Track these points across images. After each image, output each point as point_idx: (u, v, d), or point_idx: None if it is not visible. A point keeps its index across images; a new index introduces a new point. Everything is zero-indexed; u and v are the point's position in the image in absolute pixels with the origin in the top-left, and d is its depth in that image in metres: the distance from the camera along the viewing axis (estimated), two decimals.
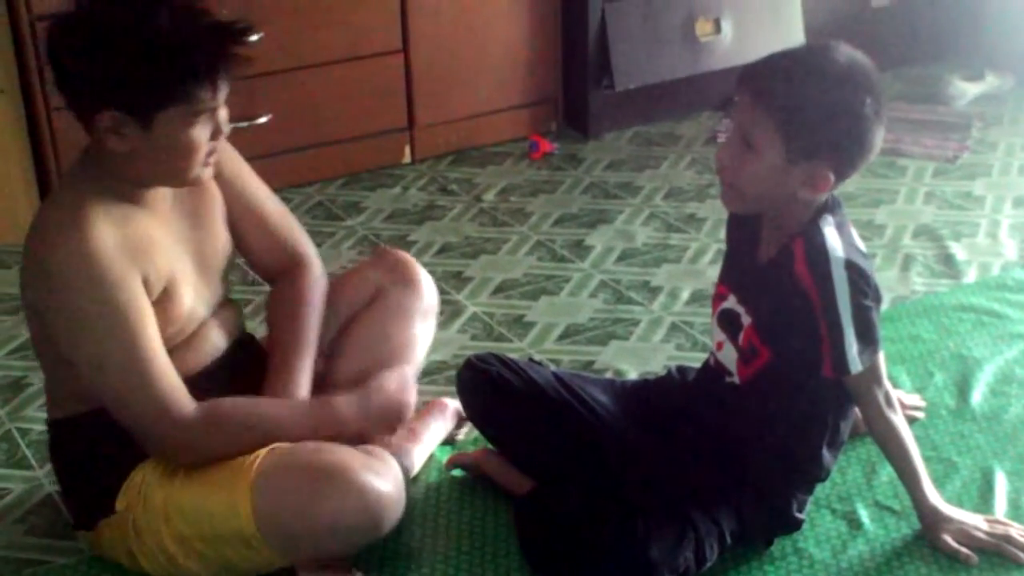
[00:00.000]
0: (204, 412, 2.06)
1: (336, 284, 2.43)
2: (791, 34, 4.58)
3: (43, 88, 3.51)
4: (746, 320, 2.20)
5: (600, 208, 3.81)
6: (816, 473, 2.28)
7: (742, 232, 2.25)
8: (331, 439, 2.13)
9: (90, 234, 1.99)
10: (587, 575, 2.10)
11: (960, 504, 2.39)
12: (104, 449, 2.14)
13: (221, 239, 2.27)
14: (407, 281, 2.44)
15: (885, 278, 3.31)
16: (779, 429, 2.20)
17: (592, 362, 2.93)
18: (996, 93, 4.60)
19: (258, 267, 2.38)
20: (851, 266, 2.08)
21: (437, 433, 2.54)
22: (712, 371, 2.31)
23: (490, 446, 2.50)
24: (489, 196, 3.92)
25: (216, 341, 2.23)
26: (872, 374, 2.17)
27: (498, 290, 3.33)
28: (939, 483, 2.44)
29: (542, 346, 3.02)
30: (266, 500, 2.03)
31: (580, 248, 3.54)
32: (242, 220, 2.30)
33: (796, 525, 2.29)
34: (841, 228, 2.13)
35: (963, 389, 2.77)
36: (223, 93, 2.03)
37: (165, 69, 1.95)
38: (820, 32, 4.62)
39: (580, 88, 4.30)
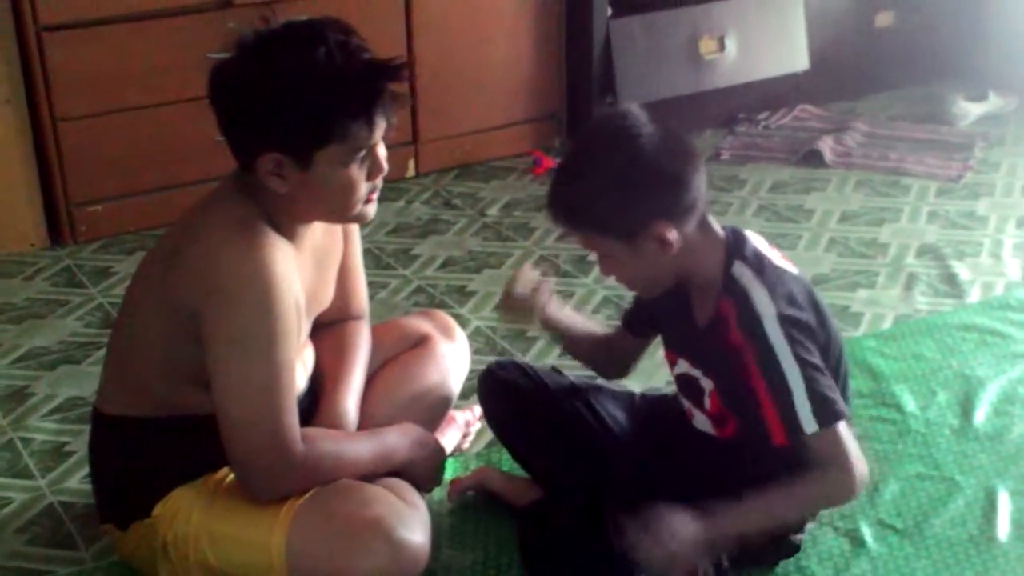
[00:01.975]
0: (307, 454, 2.05)
1: (383, 327, 2.52)
2: (795, 53, 4.59)
3: (48, 99, 3.53)
4: (707, 385, 2.17)
5: None
6: None
7: (671, 297, 2.19)
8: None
9: (269, 257, 2.00)
10: None
11: (963, 523, 2.38)
12: (158, 458, 2.14)
13: (331, 287, 2.31)
14: (452, 338, 2.54)
15: (888, 297, 3.32)
16: (769, 472, 2.17)
17: (595, 377, 2.91)
18: (999, 113, 4.61)
19: (324, 313, 2.38)
20: (784, 319, 2.03)
21: (448, 445, 2.55)
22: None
23: (492, 462, 2.50)
24: (493, 211, 3.92)
25: (299, 381, 2.22)
26: (835, 447, 2.03)
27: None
28: (941, 502, 2.45)
29: (545, 360, 3.01)
30: (300, 546, 2.03)
31: (583, 263, 3.55)
32: (340, 273, 2.34)
33: (795, 549, 2.28)
34: (758, 266, 2.09)
35: (966, 408, 2.77)
36: (381, 130, 2.04)
37: (322, 108, 1.96)
38: (824, 51, 4.64)
39: (584, 104, 4.31)
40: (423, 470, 2.29)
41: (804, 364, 2.03)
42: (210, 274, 1.99)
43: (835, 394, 2.06)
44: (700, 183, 2.06)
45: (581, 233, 2.10)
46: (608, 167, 2.02)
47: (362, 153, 2.03)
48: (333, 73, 1.96)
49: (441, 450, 2.35)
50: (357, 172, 2.04)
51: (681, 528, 2.00)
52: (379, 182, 2.10)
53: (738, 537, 2.10)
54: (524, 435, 2.41)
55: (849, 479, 2.04)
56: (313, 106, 1.96)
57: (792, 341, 2.03)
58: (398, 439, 2.25)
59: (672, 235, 2.03)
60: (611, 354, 2.42)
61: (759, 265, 2.09)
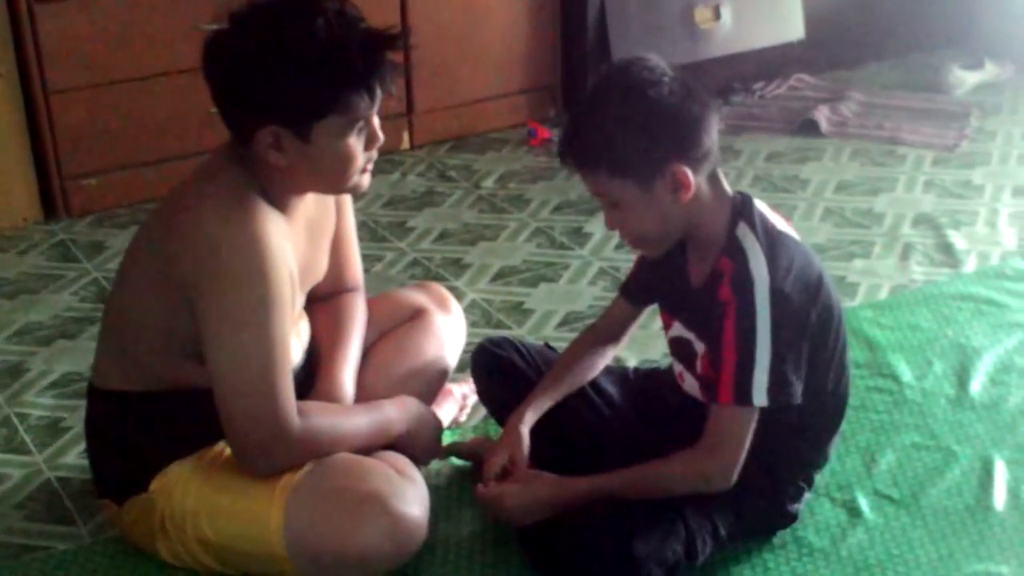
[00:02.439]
0: (304, 428, 2.05)
1: (379, 300, 2.51)
2: (790, 22, 4.57)
3: (41, 72, 3.51)
4: (699, 348, 2.17)
5: None
6: (810, 465, 2.28)
7: (668, 259, 2.20)
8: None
9: (262, 230, 1.99)
10: (575, 567, 2.10)
11: (959, 493, 2.39)
12: (154, 432, 2.14)
13: (324, 259, 2.30)
14: (448, 310, 2.53)
15: (884, 266, 3.32)
16: (762, 443, 2.18)
17: None
18: (995, 82, 4.60)
19: (318, 286, 2.37)
20: (775, 292, 2.04)
21: (445, 418, 2.55)
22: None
23: (489, 435, 2.51)
24: (488, 183, 3.91)
25: (294, 353, 2.21)
26: (742, 429, 2.07)
27: (497, 277, 3.32)
28: (938, 472, 2.45)
29: (541, 333, 3.02)
30: (298, 521, 2.04)
31: (579, 235, 3.54)
32: (333, 244, 2.33)
33: (792, 519, 2.29)
34: (762, 231, 2.09)
35: (962, 378, 2.77)
36: (378, 101, 2.03)
37: (323, 79, 1.96)
38: (819, 21, 4.62)
39: (579, 75, 4.29)
40: (420, 443, 2.29)
41: (779, 340, 2.04)
42: (204, 247, 1.98)
43: (797, 380, 2.07)
44: (715, 132, 2.08)
45: (596, 175, 2.07)
46: (628, 107, 2.02)
47: (360, 124, 2.03)
48: (333, 44, 1.95)
49: (438, 423, 2.35)
50: (355, 143, 2.04)
51: (523, 493, 2.16)
52: (374, 153, 2.10)
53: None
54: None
55: (731, 467, 2.08)
56: (314, 78, 1.95)
57: (775, 314, 2.03)
58: (395, 412, 2.25)
59: (690, 177, 2.03)
60: (604, 339, 2.41)
61: (763, 230, 2.10)
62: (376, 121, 2.07)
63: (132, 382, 2.14)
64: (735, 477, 2.10)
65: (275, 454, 2.05)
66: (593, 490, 2.15)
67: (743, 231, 2.09)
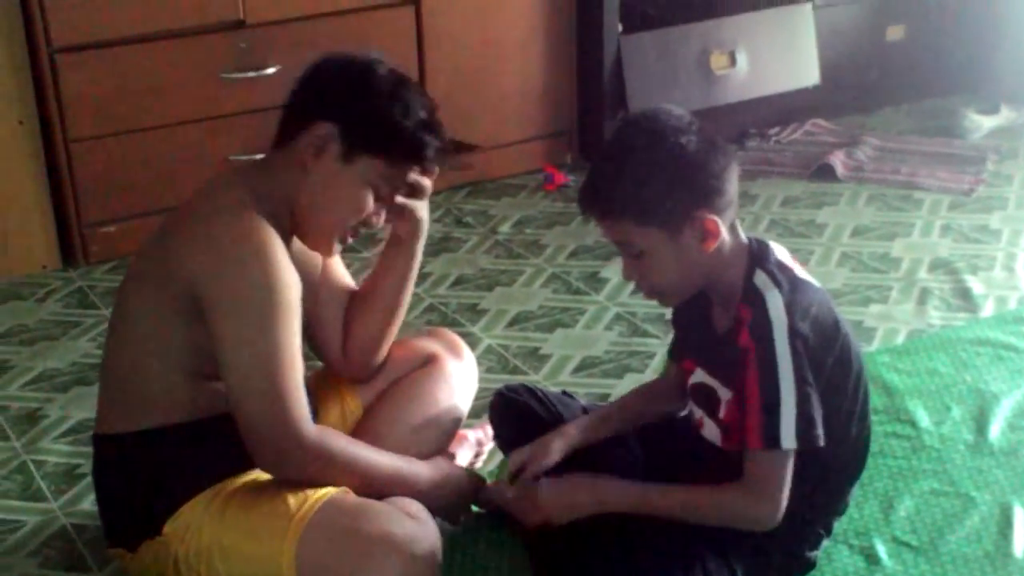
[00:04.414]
0: (320, 439, 2.08)
1: (391, 346, 2.50)
2: (806, 67, 4.59)
3: (61, 120, 3.53)
4: (724, 395, 2.16)
5: None
6: (830, 512, 2.27)
7: (692, 307, 2.22)
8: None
9: (269, 238, 2.04)
10: None
11: (979, 540, 2.37)
12: (164, 471, 2.14)
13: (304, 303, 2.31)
14: (460, 357, 2.55)
15: (901, 311, 3.31)
16: None
17: (607, 395, 2.92)
18: (1011, 126, 4.60)
19: (327, 343, 2.40)
20: (795, 333, 2.04)
21: (461, 463, 2.55)
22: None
23: (503, 479, 2.50)
24: (504, 228, 3.92)
25: None
26: (779, 472, 2.07)
27: (513, 322, 3.32)
28: (957, 518, 2.44)
29: (557, 379, 3.02)
30: (310, 560, 2.03)
31: (595, 280, 3.54)
32: (324, 303, 2.37)
33: (810, 566, 2.27)
34: (780, 276, 2.09)
35: (980, 423, 2.75)
36: (404, 187, 2.18)
37: (409, 127, 2.09)
38: (835, 66, 4.64)
39: (595, 120, 4.31)
40: (444, 507, 2.30)
41: (801, 381, 2.04)
42: (210, 250, 2.03)
43: (820, 420, 2.06)
44: (736, 181, 2.09)
45: (622, 224, 2.07)
46: (657, 155, 2.03)
47: (388, 187, 2.12)
48: (432, 112, 2.13)
49: (466, 491, 2.36)
50: (369, 199, 2.12)
51: (557, 493, 2.17)
52: (364, 228, 2.18)
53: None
54: None
55: (776, 509, 2.08)
56: (403, 119, 2.09)
57: (796, 356, 2.03)
58: (423, 467, 2.26)
59: (719, 226, 2.05)
60: (665, 395, 2.41)
61: (781, 276, 2.10)
62: (382, 219, 2.18)
63: (135, 421, 2.14)
64: (780, 518, 2.09)
65: (288, 458, 2.06)
66: (635, 498, 2.14)
67: (761, 278, 2.09)
